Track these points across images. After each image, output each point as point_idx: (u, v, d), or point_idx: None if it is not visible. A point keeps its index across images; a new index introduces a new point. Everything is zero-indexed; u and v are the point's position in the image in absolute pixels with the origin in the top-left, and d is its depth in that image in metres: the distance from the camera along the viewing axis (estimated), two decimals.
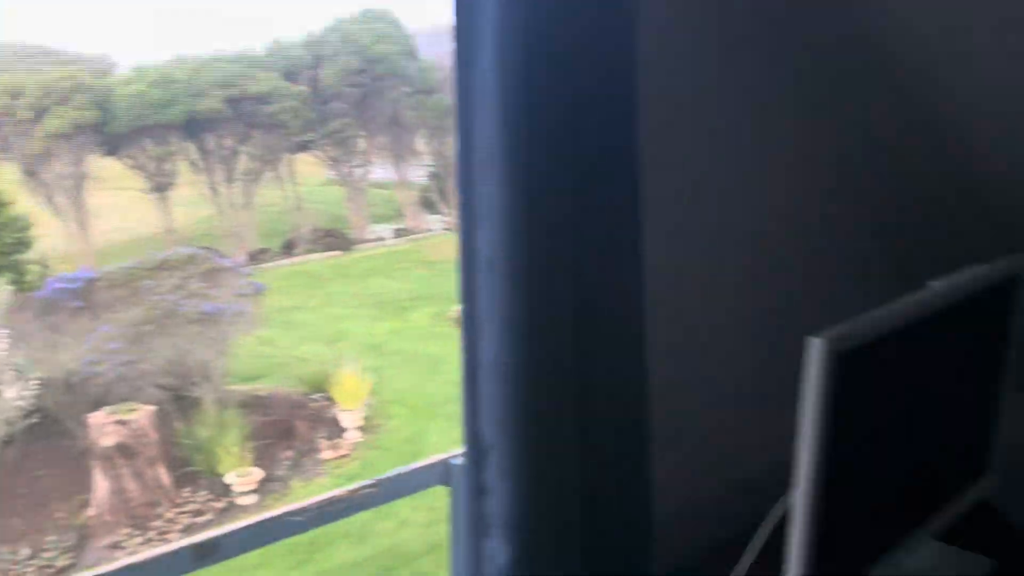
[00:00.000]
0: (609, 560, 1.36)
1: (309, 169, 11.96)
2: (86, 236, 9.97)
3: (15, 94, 9.34)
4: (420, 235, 11.91)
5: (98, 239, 10.08)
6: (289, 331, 8.41)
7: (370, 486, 1.37)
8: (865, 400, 1.13)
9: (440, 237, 11.52)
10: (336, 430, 6.59)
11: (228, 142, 10.77)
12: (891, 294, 1.22)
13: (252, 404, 6.82)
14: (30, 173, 9.57)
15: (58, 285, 6.53)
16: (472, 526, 1.25)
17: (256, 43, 11.20)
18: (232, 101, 10.44)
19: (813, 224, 1.74)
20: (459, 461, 1.39)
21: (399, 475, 1.43)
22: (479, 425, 1.22)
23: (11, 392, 5.92)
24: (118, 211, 10.64)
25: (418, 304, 9.27)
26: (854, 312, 1.13)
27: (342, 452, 6.36)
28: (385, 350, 8.06)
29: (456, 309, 1.25)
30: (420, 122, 11.81)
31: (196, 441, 6.04)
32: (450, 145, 9.77)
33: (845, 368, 1.05)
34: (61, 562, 5.09)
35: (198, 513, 5.63)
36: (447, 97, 11.03)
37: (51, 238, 9.04)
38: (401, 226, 12.12)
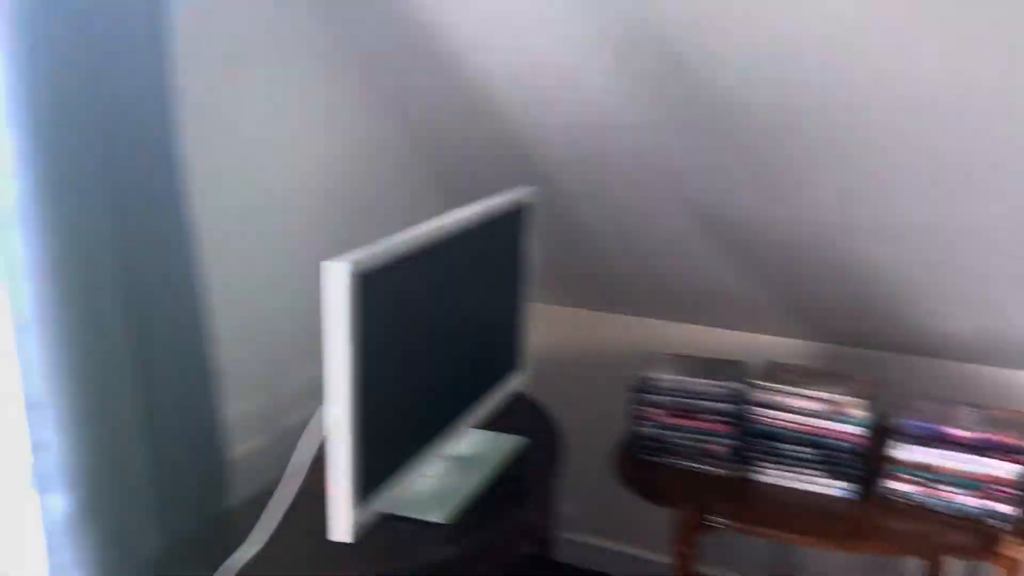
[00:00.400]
0: (181, 502, 1.41)
1: None
2: None
3: None
4: None
5: None
6: None
7: None
8: (391, 315, 1.28)
9: None
10: None
11: None
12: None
13: None
14: None
15: None
16: (35, 483, 1.24)
17: None
18: None
19: (359, 171, 1.91)
20: None
21: None
22: (31, 382, 1.20)
23: None
24: None
25: None
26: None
27: None
28: None
29: None
30: None
31: None
32: None
33: (367, 288, 1.18)
34: None
35: None
36: None
37: None
38: None
